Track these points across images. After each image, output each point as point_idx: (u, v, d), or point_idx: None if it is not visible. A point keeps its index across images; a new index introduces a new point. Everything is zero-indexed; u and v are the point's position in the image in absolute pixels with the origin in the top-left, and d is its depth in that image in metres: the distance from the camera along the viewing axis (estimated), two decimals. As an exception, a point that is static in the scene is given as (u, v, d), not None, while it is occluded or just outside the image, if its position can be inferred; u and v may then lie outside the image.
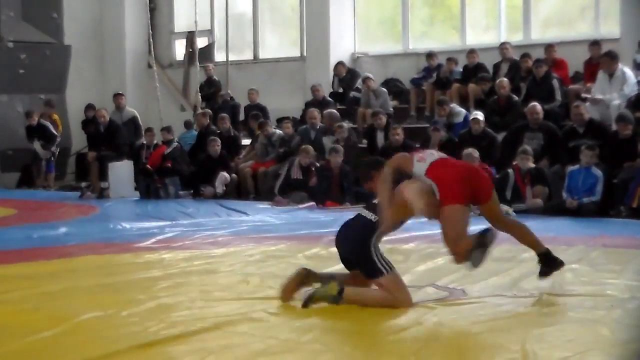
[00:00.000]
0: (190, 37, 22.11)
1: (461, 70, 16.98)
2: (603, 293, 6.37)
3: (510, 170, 12.80)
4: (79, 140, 20.35)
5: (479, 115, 14.59)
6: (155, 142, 17.44)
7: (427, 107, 17.12)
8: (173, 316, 5.79)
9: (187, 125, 19.16)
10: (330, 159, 14.62)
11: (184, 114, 20.94)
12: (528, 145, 13.49)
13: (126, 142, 18.03)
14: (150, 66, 22.26)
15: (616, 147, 12.86)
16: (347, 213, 12.78)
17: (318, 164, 15.23)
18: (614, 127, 13.24)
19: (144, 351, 4.94)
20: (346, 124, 16.16)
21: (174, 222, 11.95)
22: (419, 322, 5.57)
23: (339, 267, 7.82)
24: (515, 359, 4.69)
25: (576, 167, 12.47)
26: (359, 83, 18.15)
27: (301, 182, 15.15)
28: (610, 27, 16.46)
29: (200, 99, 20.06)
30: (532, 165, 12.75)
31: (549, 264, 6.48)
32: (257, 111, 18.01)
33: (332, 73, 18.91)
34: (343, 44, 19.49)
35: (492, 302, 6.19)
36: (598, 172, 12.32)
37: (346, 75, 18.53)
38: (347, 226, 6.38)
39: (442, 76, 17.09)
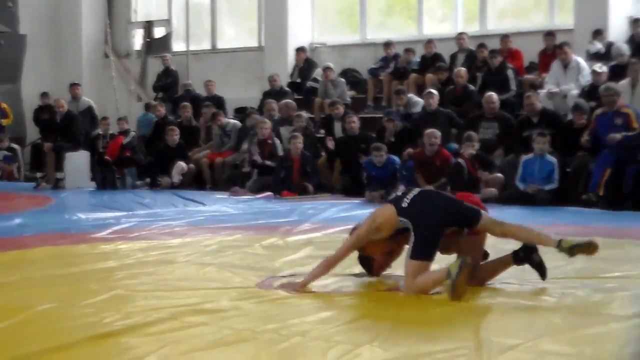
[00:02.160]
0: (147, 26, 22.01)
1: (418, 60, 17.07)
2: (555, 281, 6.44)
3: (461, 160, 12.89)
4: (34, 131, 20.18)
5: (433, 90, 14.78)
6: (110, 131, 17.35)
7: (384, 97, 17.19)
8: (129, 307, 5.77)
9: (147, 107, 19.07)
10: (291, 146, 14.62)
11: (141, 104, 20.85)
12: (484, 134, 13.62)
13: (82, 132, 17.93)
14: (106, 56, 22.13)
15: (570, 136, 13.00)
16: (304, 203, 12.91)
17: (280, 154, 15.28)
18: (570, 116, 13.40)
19: (99, 342, 4.92)
20: (304, 114, 16.19)
21: (130, 213, 11.90)
22: (375, 312, 5.61)
23: (296, 257, 7.89)
24: (469, 347, 4.73)
25: (530, 156, 12.59)
26: (316, 73, 18.18)
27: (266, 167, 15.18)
28: (564, 18, 16.63)
29: (154, 91, 20.05)
30: (476, 151, 12.82)
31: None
32: (209, 102, 17.97)
33: (289, 63, 18.93)
34: (301, 34, 19.51)
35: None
36: (553, 159, 12.47)
37: (304, 65, 18.56)
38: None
39: (399, 66, 17.17)
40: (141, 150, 17.06)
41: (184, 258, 7.95)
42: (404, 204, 6.25)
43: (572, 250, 6.17)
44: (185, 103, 17.85)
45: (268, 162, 15.16)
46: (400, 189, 6.77)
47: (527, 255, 6.36)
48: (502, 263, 6.50)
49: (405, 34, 18.87)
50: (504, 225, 6.40)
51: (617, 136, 12.12)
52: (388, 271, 6.86)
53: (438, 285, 6.03)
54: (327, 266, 6.40)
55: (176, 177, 16.04)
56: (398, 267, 6.83)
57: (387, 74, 17.27)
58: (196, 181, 16.37)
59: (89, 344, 4.88)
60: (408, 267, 6.13)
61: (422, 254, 6.11)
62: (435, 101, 14.59)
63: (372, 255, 6.62)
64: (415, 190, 6.42)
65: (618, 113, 12.43)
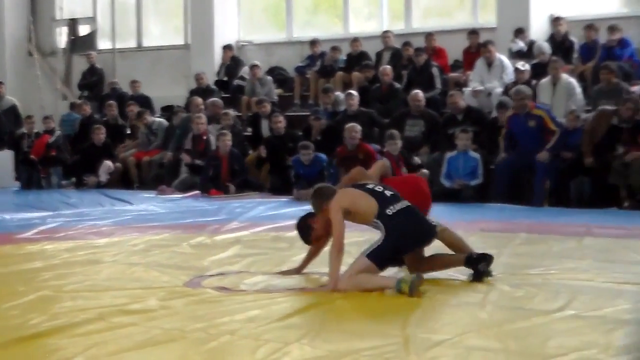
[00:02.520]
0: (72, 24, 21.77)
1: (345, 58, 17.15)
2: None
3: (384, 159, 12.95)
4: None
5: (353, 91, 14.88)
6: (35, 130, 17.16)
7: (311, 95, 17.23)
8: (56, 308, 5.73)
9: (72, 106, 18.89)
10: (219, 144, 14.57)
11: (66, 103, 20.62)
12: (410, 132, 13.74)
13: (6, 131, 17.71)
14: (30, 54, 21.85)
15: (495, 133, 13.18)
16: (232, 201, 12.91)
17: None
18: (495, 114, 13.59)
19: (26, 343, 4.88)
20: (232, 112, 16.18)
21: (56, 213, 11.79)
22: (304, 310, 5.65)
23: (224, 255, 7.89)
24: (397, 343, 4.79)
25: (454, 153, 12.75)
26: (243, 71, 18.17)
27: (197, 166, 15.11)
28: (487, 17, 16.84)
29: (79, 89, 19.88)
30: (399, 148, 12.92)
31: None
32: (133, 101, 17.89)
33: (216, 61, 18.90)
34: (227, 32, 19.47)
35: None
36: (476, 155, 12.66)
37: (230, 63, 18.54)
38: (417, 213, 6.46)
39: (326, 64, 17.22)
40: (66, 149, 16.89)
41: (111, 258, 7.91)
42: (389, 211, 6.30)
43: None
44: (111, 101, 17.74)
45: (197, 162, 15.09)
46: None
47: (477, 261, 6.50)
48: (454, 261, 6.64)
49: (331, 32, 18.93)
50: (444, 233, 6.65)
51: (546, 155, 12.23)
52: (314, 268, 6.90)
53: (378, 290, 6.11)
54: (339, 251, 6.27)
55: (103, 176, 15.93)
56: (323, 265, 6.88)
57: (314, 72, 17.32)
58: (123, 180, 16.26)
59: (15, 346, 4.83)
60: (358, 263, 6.22)
61: (381, 261, 6.25)
62: (355, 102, 14.67)
63: (312, 223, 6.65)
64: (404, 203, 6.43)
65: (530, 115, 12.55)
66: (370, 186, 6.52)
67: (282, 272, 6.98)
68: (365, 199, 6.37)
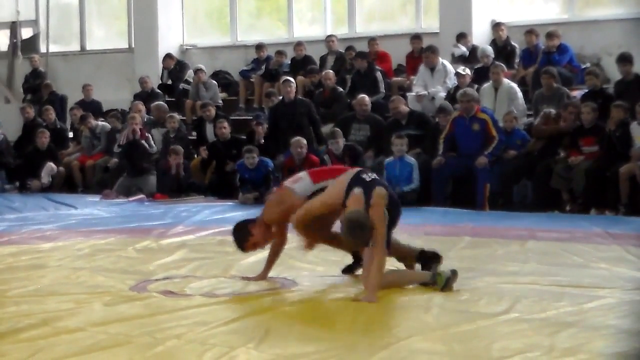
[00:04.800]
0: (14, 27, 21.55)
1: (289, 62, 17.17)
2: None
3: (325, 156, 13.00)
4: None
5: (289, 77, 14.94)
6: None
7: (255, 99, 17.23)
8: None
9: None
10: (170, 160, 14.38)
11: (10, 106, 20.41)
12: (355, 136, 13.80)
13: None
14: (-29, 57, 21.59)
15: (437, 137, 13.23)
16: (177, 205, 12.87)
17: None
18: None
19: (-30, 350, 4.86)
20: (177, 115, 16.12)
21: (-1, 217, 11.69)
22: (250, 314, 5.67)
23: (170, 259, 7.88)
24: (343, 347, 4.83)
25: (391, 158, 12.81)
26: (188, 75, 18.12)
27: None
28: (430, 22, 16.93)
29: (23, 92, 19.68)
30: (341, 147, 12.95)
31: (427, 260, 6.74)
32: (77, 105, 17.79)
33: (160, 65, 18.81)
34: (171, 35, 19.38)
35: (321, 292, 6.36)
36: (411, 160, 12.69)
37: (175, 67, 18.46)
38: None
39: (271, 68, 17.22)
40: (10, 153, 16.72)
41: (56, 262, 7.86)
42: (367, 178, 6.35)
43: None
44: (48, 106, 17.56)
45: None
46: None
47: (430, 259, 6.77)
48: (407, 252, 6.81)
49: (275, 36, 18.92)
50: None
51: (485, 160, 12.30)
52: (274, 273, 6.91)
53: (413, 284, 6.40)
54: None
55: (45, 178, 15.77)
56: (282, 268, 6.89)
57: (258, 76, 17.31)
58: (67, 184, 16.12)
59: (-41, 353, 4.81)
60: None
61: (387, 242, 6.23)
62: (292, 90, 14.65)
63: (252, 230, 6.65)
64: (374, 177, 6.42)
65: (475, 118, 12.61)
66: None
67: (246, 277, 6.93)
68: (355, 195, 6.20)
